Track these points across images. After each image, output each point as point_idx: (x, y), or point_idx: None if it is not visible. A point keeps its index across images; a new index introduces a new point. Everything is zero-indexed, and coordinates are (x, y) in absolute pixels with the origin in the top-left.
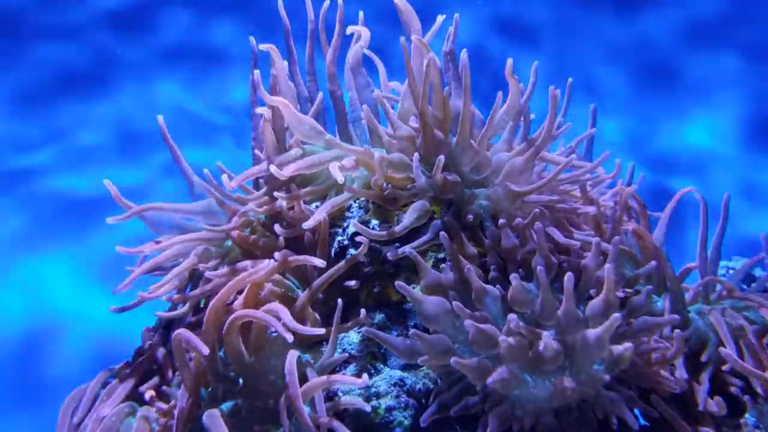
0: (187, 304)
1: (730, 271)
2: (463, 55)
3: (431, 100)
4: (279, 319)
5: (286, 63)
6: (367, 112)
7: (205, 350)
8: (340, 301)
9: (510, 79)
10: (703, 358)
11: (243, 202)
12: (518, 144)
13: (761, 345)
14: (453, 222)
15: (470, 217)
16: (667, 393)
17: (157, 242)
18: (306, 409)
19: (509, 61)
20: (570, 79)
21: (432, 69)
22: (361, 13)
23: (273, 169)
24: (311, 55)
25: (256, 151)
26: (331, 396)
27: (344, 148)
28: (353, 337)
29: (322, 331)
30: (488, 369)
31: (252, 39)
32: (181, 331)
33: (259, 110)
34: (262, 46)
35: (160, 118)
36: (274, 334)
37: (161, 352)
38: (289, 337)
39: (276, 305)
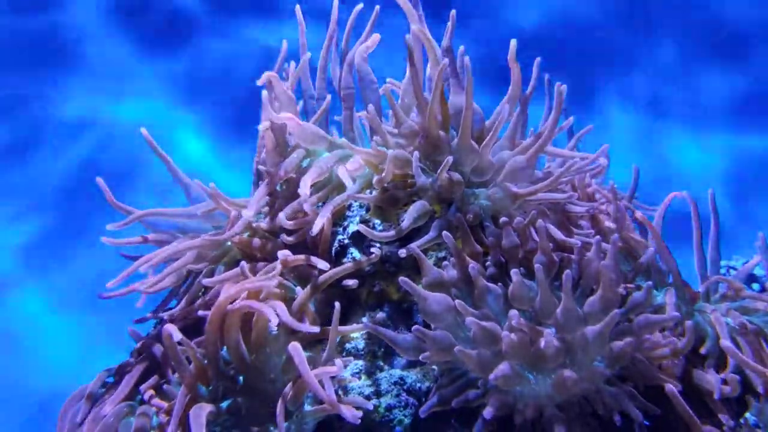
0: (182, 302)
1: (732, 271)
2: (466, 59)
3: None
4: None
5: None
6: (372, 110)
7: (177, 336)
8: (338, 304)
9: (512, 64)
10: (703, 350)
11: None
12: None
13: (760, 344)
14: (461, 218)
15: (470, 216)
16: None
17: (145, 238)
18: (306, 408)
19: (512, 43)
20: (549, 77)
21: (441, 75)
22: (377, 8)
23: (301, 191)
24: (326, 55)
25: (259, 158)
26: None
27: (355, 150)
28: (354, 335)
29: (316, 329)
30: (490, 363)
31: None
32: (167, 327)
33: (262, 126)
34: (262, 79)
35: (144, 130)
36: (275, 333)
37: (158, 349)
38: (274, 321)
39: (274, 301)
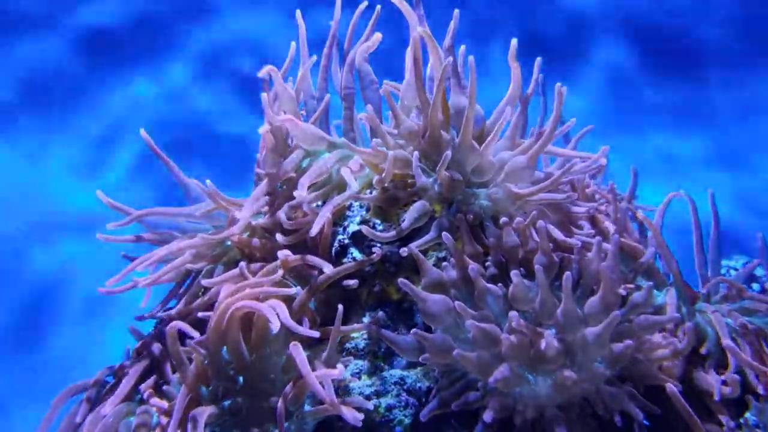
0: (181, 302)
1: (732, 271)
2: (471, 59)
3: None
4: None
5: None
6: (371, 111)
7: (195, 333)
8: (341, 307)
9: (512, 63)
10: (703, 350)
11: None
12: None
13: (761, 344)
14: (461, 218)
15: (470, 216)
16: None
17: (139, 237)
18: (306, 408)
19: (513, 42)
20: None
21: (444, 75)
22: (378, 7)
23: (296, 193)
24: (328, 54)
25: (260, 158)
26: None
27: (355, 151)
28: (354, 335)
29: (316, 334)
30: (489, 365)
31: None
32: (177, 323)
33: (262, 129)
34: (263, 71)
35: (143, 131)
36: (275, 333)
37: (158, 348)
38: (276, 324)
39: (275, 301)
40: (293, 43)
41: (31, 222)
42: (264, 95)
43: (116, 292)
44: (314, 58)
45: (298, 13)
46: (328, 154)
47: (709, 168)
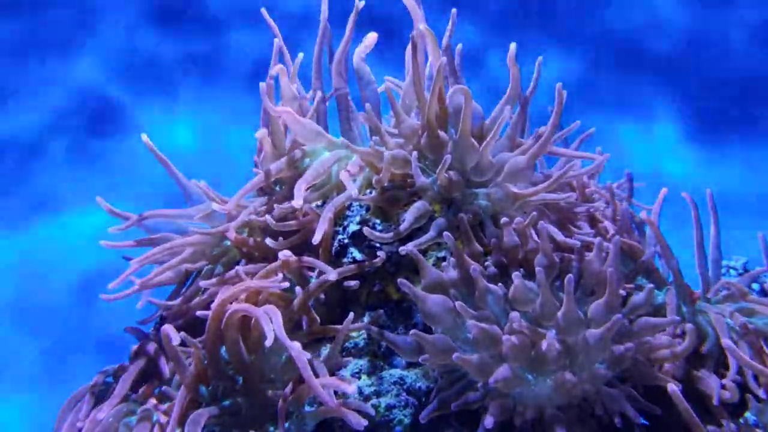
0: (180, 299)
1: (731, 270)
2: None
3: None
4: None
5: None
6: (369, 110)
7: (176, 340)
8: (351, 314)
9: (512, 66)
10: (703, 350)
11: (242, 206)
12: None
13: (761, 345)
14: (461, 218)
15: (469, 216)
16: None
17: (138, 241)
18: (306, 409)
19: (512, 46)
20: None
21: (441, 73)
22: (361, 3)
23: (294, 202)
24: (319, 53)
25: (258, 159)
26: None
27: (354, 150)
28: (354, 334)
29: (307, 355)
30: (490, 366)
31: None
32: (165, 327)
33: (259, 134)
34: (273, 71)
35: (144, 136)
36: (269, 343)
37: (156, 348)
38: (270, 339)
39: (270, 308)
40: (276, 40)
41: None
42: (262, 85)
43: (119, 297)
44: (301, 55)
45: (264, 11)
46: (327, 154)
47: None
